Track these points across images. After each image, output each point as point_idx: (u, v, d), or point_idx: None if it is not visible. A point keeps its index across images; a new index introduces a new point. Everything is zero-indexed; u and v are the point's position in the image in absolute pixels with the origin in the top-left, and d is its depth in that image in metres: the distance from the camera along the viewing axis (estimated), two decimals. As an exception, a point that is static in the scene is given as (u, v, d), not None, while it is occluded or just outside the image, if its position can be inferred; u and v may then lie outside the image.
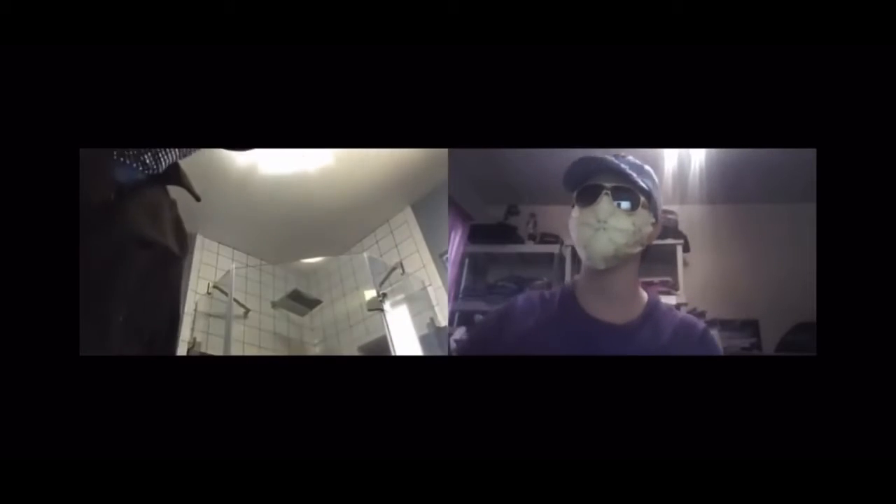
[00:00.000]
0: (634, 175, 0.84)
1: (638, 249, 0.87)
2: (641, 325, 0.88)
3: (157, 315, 0.87)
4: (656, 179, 0.90)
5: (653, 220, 0.88)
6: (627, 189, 0.85)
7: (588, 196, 0.86)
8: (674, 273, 2.18)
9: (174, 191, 0.95)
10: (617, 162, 0.84)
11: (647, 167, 0.89)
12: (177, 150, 0.89)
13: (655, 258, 2.16)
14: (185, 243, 0.93)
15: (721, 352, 0.94)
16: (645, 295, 0.92)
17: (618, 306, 0.89)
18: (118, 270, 0.78)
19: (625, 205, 0.85)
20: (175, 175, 0.93)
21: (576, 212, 0.88)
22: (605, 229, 0.84)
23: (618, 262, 0.86)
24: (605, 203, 0.84)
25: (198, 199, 0.97)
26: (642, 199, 0.85)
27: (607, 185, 0.85)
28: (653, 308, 0.90)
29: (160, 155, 0.88)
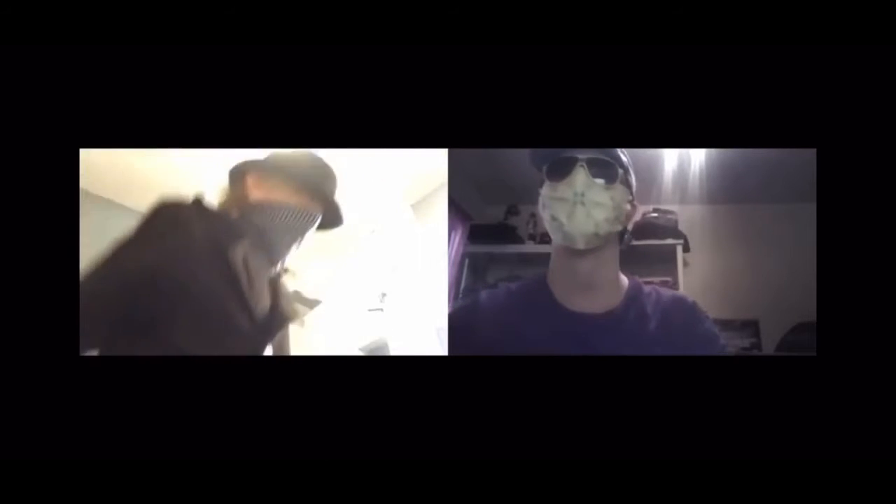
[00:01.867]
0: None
1: (618, 228, 0.82)
2: (624, 312, 0.83)
3: None
4: (629, 157, 0.85)
5: (630, 197, 0.83)
6: (603, 161, 0.79)
7: (561, 169, 0.80)
8: (674, 273, 2.18)
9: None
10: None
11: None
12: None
13: (655, 258, 2.16)
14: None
15: (711, 322, 0.88)
16: (626, 280, 0.87)
17: (595, 295, 0.84)
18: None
19: (601, 178, 0.79)
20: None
21: (547, 188, 0.82)
22: (583, 203, 0.78)
23: (598, 241, 0.80)
24: (581, 174, 0.78)
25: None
26: (620, 171, 0.80)
27: (581, 156, 0.79)
28: (636, 292, 0.85)
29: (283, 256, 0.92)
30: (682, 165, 2.11)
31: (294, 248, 0.93)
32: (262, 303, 0.85)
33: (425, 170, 2.60)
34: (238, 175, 0.95)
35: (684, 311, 0.85)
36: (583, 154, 0.79)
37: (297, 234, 0.92)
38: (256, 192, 0.92)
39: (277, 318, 0.87)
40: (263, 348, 0.82)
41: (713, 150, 2.02)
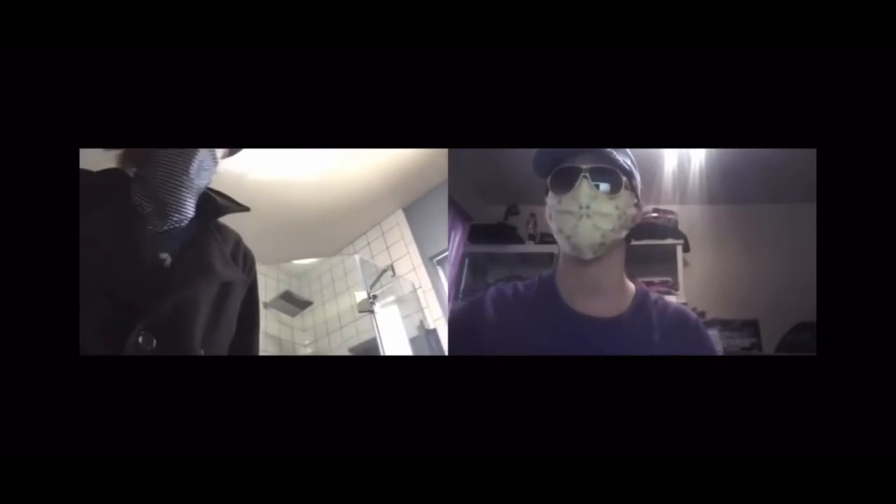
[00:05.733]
0: (612, 152, 0.79)
1: (624, 234, 0.83)
2: (631, 319, 0.84)
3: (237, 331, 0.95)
4: (633, 157, 0.85)
5: (635, 200, 0.83)
6: (607, 169, 0.79)
7: (564, 180, 0.80)
8: (674, 273, 2.18)
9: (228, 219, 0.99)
10: None
11: None
12: (190, 189, 0.88)
13: (655, 258, 2.15)
14: (251, 267, 1.01)
15: (714, 342, 0.89)
16: (633, 286, 0.88)
17: (604, 300, 0.84)
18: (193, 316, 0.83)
19: (605, 187, 0.79)
20: (214, 208, 0.95)
21: (552, 199, 0.82)
22: (588, 216, 0.78)
23: (605, 249, 0.81)
24: (585, 187, 0.78)
25: (246, 209, 1.00)
26: (623, 179, 0.80)
27: (584, 166, 0.79)
28: (642, 300, 0.86)
29: (182, 204, 0.88)
30: (682, 165, 2.10)
31: (188, 195, 0.88)
32: (138, 277, 0.80)
33: (417, 173, 2.58)
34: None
35: (688, 329, 0.85)
36: (585, 164, 0.79)
37: (181, 174, 0.87)
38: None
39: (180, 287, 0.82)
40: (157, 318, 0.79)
41: (713, 150, 2.02)
